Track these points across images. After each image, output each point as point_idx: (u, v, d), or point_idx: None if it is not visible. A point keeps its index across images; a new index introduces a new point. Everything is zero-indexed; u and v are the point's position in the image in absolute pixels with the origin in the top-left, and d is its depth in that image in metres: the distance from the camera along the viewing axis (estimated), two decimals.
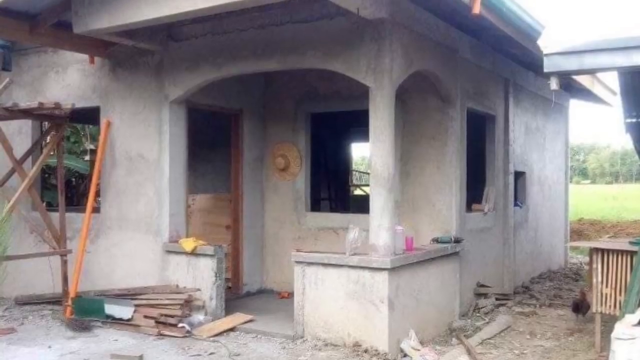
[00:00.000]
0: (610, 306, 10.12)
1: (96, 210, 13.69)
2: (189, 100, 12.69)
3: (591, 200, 29.91)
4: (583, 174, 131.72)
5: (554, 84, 8.29)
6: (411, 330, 10.30)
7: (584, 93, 19.15)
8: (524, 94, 16.16)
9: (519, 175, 16.19)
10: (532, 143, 16.59)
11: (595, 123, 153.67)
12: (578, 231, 23.03)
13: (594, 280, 10.26)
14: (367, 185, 13.58)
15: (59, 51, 13.96)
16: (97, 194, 13.73)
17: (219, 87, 12.88)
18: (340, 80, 12.17)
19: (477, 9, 9.38)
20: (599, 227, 25.87)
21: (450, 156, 12.44)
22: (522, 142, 15.87)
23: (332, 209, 19.09)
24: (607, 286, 10.15)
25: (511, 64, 15.21)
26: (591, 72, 8.04)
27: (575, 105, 21.34)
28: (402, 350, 10.06)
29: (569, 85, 18.40)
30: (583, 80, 16.00)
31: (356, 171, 30.03)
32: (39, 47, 14.13)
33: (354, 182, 26.31)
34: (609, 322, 9.92)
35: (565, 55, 7.93)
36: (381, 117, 10.22)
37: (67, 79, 14.13)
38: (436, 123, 12.53)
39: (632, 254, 9.92)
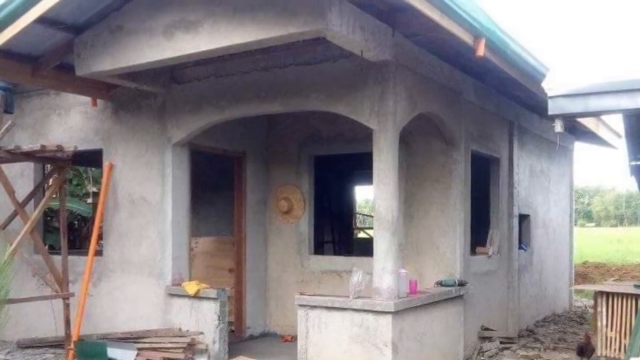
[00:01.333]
0: (615, 350, 10.06)
1: (99, 253, 13.57)
2: (191, 143, 12.64)
3: (596, 243, 29.77)
4: (588, 216, 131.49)
5: (558, 127, 8.26)
6: None
7: (589, 135, 19.08)
8: (529, 136, 16.12)
9: (523, 218, 16.10)
10: (537, 186, 16.52)
11: (600, 166, 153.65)
12: (583, 274, 22.90)
13: (599, 323, 10.19)
14: (371, 228, 13.44)
15: (61, 93, 13.94)
16: (100, 236, 13.62)
17: (222, 129, 12.80)
18: (343, 122, 12.13)
19: (481, 51, 9.43)
20: (603, 270, 25.72)
21: (454, 199, 12.35)
22: (526, 184, 15.80)
23: (336, 252, 18.95)
24: (611, 330, 10.07)
25: (515, 107, 15.18)
26: (596, 114, 8.01)
27: (580, 148, 21.29)
28: None
29: (574, 127, 18.35)
30: (588, 122, 15.93)
31: (360, 214, 29.99)
32: (41, 89, 14.08)
33: (358, 224, 26.26)
34: None
35: (570, 98, 7.90)
36: (385, 159, 10.18)
37: (70, 122, 14.09)
38: (440, 166, 12.46)
39: (636, 297, 9.87)
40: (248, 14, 9.12)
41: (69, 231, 16.39)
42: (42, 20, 10.21)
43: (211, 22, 9.51)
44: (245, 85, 11.60)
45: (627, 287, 10.57)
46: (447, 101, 11.97)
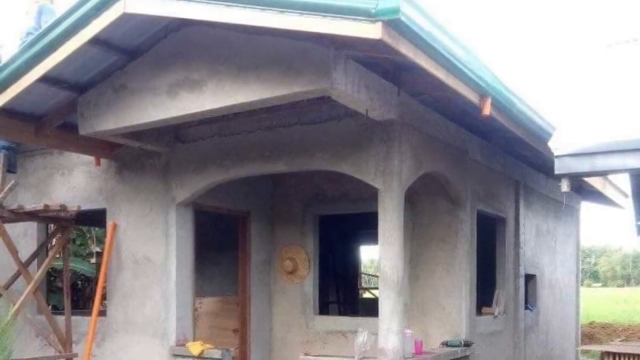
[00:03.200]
0: None
1: (102, 313, 13.43)
2: (195, 203, 12.54)
3: (602, 304, 29.59)
4: (594, 276, 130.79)
5: (565, 186, 8.15)
6: None
7: (596, 195, 19.01)
8: (535, 196, 16.02)
9: (529, 278, 15.94)
10: (543, 246, 16.39)
11: (607, 225, 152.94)
12: (589, 335, 22.69)
13: None
14: (376, 288, 13.34)
15: (64, 153, 13.86)
16: (103, 297, 13.50)
17: (226, 188, 12.67)
18: (348, 182, 12.10)
19: (487, 110, 9.35)
20: (610, 331, 25.48)
21: (460, 259, 12.21)
22: (532, 244, 15.67)
23: (341, 312, 18.74)
24: None
25: (522, 166, 15.10)
26: (602, 174, 7.94)
27: (587, 207, 21.18)
28: None
29: (580, 187, 18.29)
30: (595, 182, 15.86)
31: (365, 274, 29.78)
32: (45, 148, 14.00)
33: (363, 285, 26.07)
34: None
35: (577, 157, 7.81)
36: (390, 219, 10.05)
37: (73, 181, 13.99)
38: (446, 226, 12.34)
39: None
40: (253, 73, 9.04)
41: (73, 291, 16.21)
42: (45, 79, 10.19)
43: (215, 81, 9.43)
44: (249, 145, 11.52)
45: (634, 348, 10.43)
46: (453, 160, 11.88)
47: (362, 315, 14.85)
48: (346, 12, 7.38)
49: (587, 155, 7.76)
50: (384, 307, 10.12)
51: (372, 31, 7.27)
